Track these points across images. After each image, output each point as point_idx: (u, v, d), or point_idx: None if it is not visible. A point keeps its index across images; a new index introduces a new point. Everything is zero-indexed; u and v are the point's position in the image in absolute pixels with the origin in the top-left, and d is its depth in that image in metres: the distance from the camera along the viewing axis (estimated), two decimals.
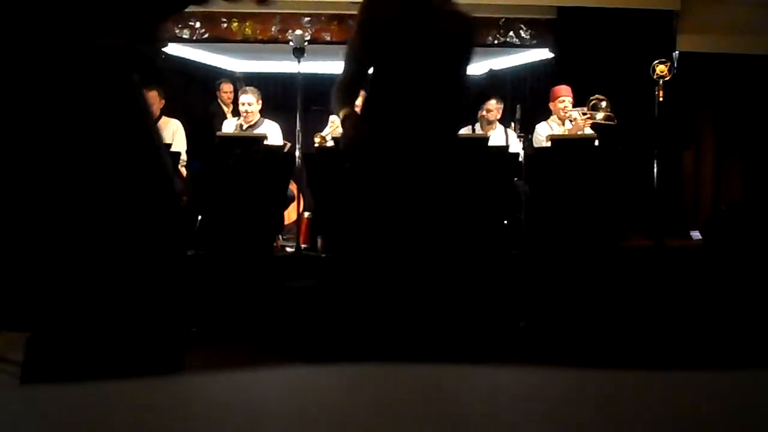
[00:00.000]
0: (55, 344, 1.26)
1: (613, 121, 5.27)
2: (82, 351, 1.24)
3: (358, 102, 2.86)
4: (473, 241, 2.60)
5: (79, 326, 1.25)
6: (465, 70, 2.61)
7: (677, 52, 6.52)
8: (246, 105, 5.38)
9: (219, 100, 6.54)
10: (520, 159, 4.60)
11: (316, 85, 7.20)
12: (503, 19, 6.77)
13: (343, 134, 2.43)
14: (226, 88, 6.53)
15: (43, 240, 1.25)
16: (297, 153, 4.61)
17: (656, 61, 5.04)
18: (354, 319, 2.51)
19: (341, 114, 2.45)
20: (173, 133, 5.30)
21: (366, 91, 2.66)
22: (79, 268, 1.23)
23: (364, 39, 2.45)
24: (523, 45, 6.93)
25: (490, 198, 4.55)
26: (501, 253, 4.51)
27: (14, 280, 1.36)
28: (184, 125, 5.44)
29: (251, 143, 4.60)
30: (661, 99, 4.93)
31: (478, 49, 7.55)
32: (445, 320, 2.55)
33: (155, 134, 1.25)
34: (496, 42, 6.85)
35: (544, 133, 5.35)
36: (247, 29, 6.82)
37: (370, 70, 2.55)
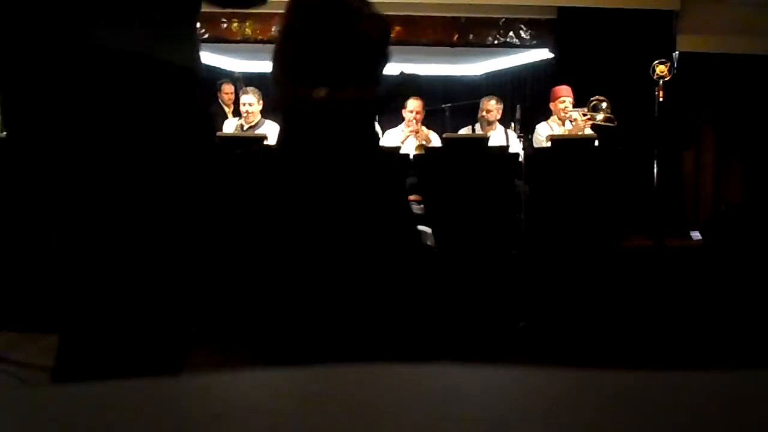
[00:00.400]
0: (85, 344, 1.28)
1: (613, 123, 5.26)
2: (105, 350, 1.26)
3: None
4: (392, 238, 2.71)
5: (106, 327, 1.27)
6: (382, 70, 2.73)
7: (677, 52, 6.52)
8: (247, 105, 5.38)
9: (220, 101, 6.54)
10: (520, 159, 4.60)
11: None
12: (503, 19, 6.77)
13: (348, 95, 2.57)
14: (227, 89, 6.54)
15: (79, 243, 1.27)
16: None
17: (656, 61, 5.04)
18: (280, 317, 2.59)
19: (321, 92, 2.55)
20: None
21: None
22: (108, 269, 1.25)
23: (289, 42, 2.58)
24: (523, 45, 6.93)
25: (490, 197, 4.55)
26: (501, 253, 4.51)
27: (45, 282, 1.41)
28: None
29: (251, 143, 4.60)
30: (661, 99, 4.93)
31: (478, 50, 7.54)
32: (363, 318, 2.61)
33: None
34: (496, 42, 6.85)
35: (544, 133, 5.35)
36: (247, 29, 6.82)
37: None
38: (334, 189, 2.52)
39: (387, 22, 2.75)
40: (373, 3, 2.68)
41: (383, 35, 2.66)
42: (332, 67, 2.54)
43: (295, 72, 2.57)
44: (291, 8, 2.60)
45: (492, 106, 5.55)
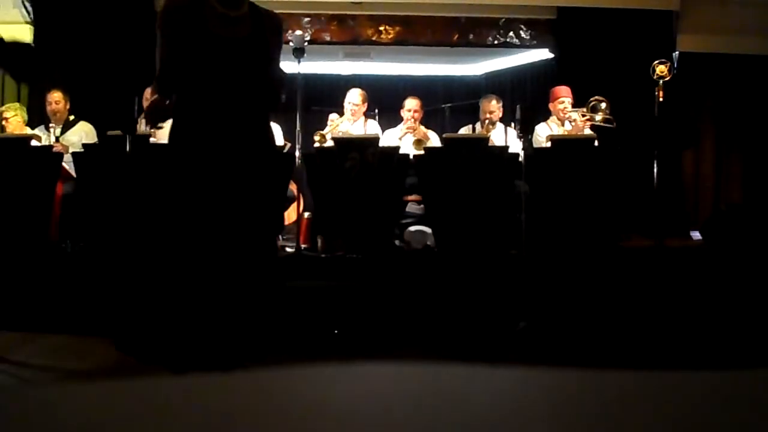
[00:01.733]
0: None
1: (612, 124, 5.26)
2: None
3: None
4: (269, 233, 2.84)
5: None
6: (270, 66, 2.81)
7: (677, 52, 6.52)
8: None
9: None
10: (520, 159, 4.60)
11: (316, 85, 7.21)
12: (503, 19, 6.76)
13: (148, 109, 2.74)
14: None
15: None
16: (297, 153, 4.61)
17: (656, 61, 5.04)
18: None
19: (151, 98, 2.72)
20: None
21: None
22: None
23: (165, 45, 2.70)
24: (523, 45, 6.93)
25: (490, 197, 4.55)
26: (501, 253, 4.51)
27: None
28: None
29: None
30: (661, 99, 4.93)
31: (478, 50, 7.54)
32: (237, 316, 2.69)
33: None
34: (496, 42, 6.84)
35: (543, 133, 5.35)
36: None
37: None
38: (220, 182, 2.62)
39: (273, 20, 2.82)
40: (251, 3, 2.76)
41: (257, 35, 2.72)
42: (200, 68, 2.64)
43: (170, 75, 2.68)
44: (160, 15, 2.73)
45: (494, 107, 5.56)
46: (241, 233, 2.65)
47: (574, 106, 5.42)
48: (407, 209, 5.11)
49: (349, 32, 6.70)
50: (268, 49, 2.78)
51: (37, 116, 5.74)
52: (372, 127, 5.60)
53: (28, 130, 5.36)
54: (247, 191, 2.66)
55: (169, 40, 2.68)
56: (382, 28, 6.69)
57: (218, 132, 2.65)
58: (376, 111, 5.93)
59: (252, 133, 2.72)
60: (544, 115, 5.63)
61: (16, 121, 5.39)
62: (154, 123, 2.76)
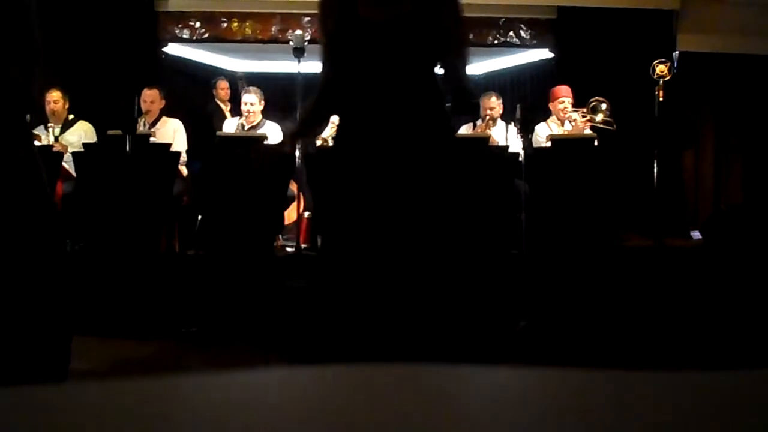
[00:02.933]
0: None
1: (612, 127, 5.25)
2: None
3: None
4: (459, 237, 2.53)
5: None
6: (449, 56, 2.33)
7: (677, 52, 6.52)
8: (248, 105, 5.35)
9: (217, 99, 6.54)
10: (520, 159, 4.60)
11: (316, 85, 7.19)
12: (503, 19, 6.76)
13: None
14: (223, 84, 6.55)
15: None
16: (297, 153, 4.60)
17: (656, 61, 5.03)
18: (342, 318, 2.44)
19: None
20: (174, 132, 5.30)
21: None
22: None
23: (325, 47, 2.39)
24: (523, 45, 6.93)
25: (490, 197, 4.55)
26: (501, 253, 4.51)
27: None
28: (184, 125, 5.45)
29: (251, 143, 4.60)
30: (661, 99, 4.93)
31: (477, 50, 7.53)
32: (431, 318, 2.48)
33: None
34: (496, 42, 6.85)
35: (543, 134, 5.34)
36: (247, 29, 6.82)
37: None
38: (389, 184, 2.26)
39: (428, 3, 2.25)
40: None
41: (420, 11, 2.21)
42: (353, 63, 2.27)
43: (330, 94, 2.41)
44: (317, 20, 2.44)
45: (494, 103, 5.56)
46: (417, 239, 2.32)
47: (574, 106, 5.42)
48: None
49: None
50: (437, 27, 2.24)
51: (37, 116, 5.74)
52: None
53: None
54: (422, 190, 2.29)
55: (327, 45, 2.34)
56: None
57: (382, 133, 2.25)
58: None
59: (422, 128, 2.29)
60: (544, 115, 5.63)
61: None
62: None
